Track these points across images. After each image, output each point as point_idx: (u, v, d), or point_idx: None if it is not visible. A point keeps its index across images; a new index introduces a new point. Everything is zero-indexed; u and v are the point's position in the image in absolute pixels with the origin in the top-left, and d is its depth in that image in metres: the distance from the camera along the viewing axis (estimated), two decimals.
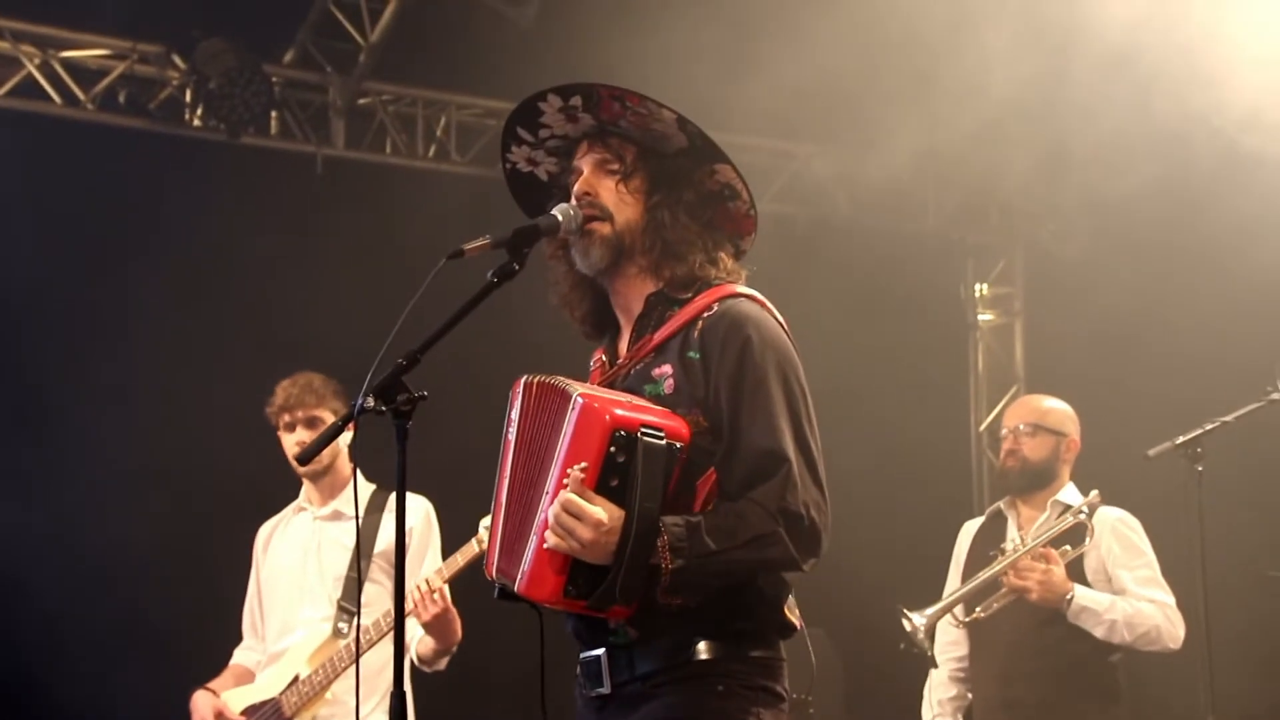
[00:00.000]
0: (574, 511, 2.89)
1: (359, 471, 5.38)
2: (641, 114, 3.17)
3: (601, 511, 2.89)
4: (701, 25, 6.31)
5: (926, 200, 8.66)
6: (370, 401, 2.96)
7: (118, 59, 7.34)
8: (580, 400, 2.94)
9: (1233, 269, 6.56)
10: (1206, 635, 4.94)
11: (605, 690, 3.10)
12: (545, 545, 2.94)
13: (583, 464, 2.91)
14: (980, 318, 9.09)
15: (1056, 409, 5.73)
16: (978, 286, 9.10)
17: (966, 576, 5.65)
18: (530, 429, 3.09)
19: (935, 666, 5.62)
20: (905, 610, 5.43)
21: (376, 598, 5.19)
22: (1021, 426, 5.65)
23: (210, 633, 5.84)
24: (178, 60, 7.38)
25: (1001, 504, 5.78)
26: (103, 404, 6.88)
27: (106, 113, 7.33)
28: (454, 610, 5.01)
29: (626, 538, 2.89)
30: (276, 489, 5.60)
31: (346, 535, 5.32)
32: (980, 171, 8.03)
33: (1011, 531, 5.63)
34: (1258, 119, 5.99)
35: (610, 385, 3.19)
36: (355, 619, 5.15)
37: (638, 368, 3.17)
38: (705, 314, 3.13)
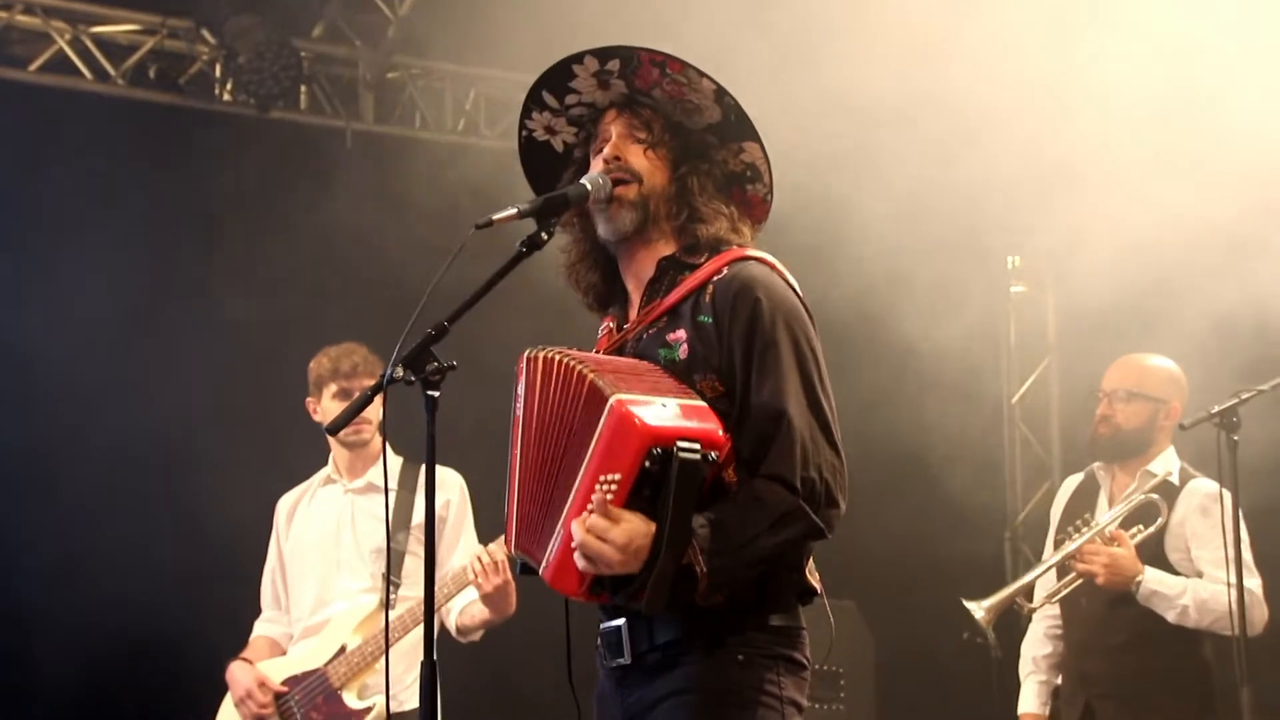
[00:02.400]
0: (601, 535, 2.87)
1: (388, 445, 5.38)
2: (680, 82, 3.16)
3: (627, 533, 2.87)
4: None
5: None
6: (400, 372, 2.96)
7: (147, 34, 7.36)
8: (614, 406, 2.89)
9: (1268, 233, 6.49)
10: (1240, 607, 4.88)
11: (626, 660, 3.10)
12: (575, 562, 2.93)
13: (614, 475, 2.89)
14: (1012, 289, 9.03)
15: (1159, 371, 5.48)
16: (1010, 259, 9.03)
17: (1058, 540, 5.51)
18: (547, 409, 3.06)
19: (998, 655, 5.50)
20: (965, 601, 5.32)
21: (415, 570, 5.20)
22: (1120, 392, 5.44)
23: None
24: (207, 35, 7.40)
25: (1096, 466, 5.59)
26: (125, 375, 6.89)
27: (137, 88, 7.34)
28: (513, 582, 4.99)
29: (657, 552, 2.88)
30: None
31: (380, 507, 5.32)
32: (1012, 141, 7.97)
33: (1101, 500, 5.46)
34: None
35: (619, 351, 3.18)
36: (386, 590, 5.15)
37: (650, 333, 3.16)
38: (716, 277, 3.12)
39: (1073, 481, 5.73)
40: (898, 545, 7.24)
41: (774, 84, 5.98)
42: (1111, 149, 6.94)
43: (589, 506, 2.90)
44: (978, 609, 5.30)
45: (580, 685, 3.20)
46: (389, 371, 2.97)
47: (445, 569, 5.25)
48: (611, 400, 2.90)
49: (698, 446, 2.89)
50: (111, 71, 7.29)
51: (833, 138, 6.98)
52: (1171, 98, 6.27)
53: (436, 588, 5.07)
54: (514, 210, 3.10)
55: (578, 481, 2.96)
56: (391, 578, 5.21)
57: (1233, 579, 5.07)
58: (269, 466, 6.06)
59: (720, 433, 2.94)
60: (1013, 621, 5.80)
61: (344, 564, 5.35)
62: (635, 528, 2.88)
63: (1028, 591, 5.47)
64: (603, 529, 2.87)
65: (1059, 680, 5.56)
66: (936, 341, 7.87)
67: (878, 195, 6.98)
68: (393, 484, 5.37)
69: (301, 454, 5.66)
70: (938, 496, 7.71)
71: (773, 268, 3.18)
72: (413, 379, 2.97)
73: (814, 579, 3.14)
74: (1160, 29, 6.09)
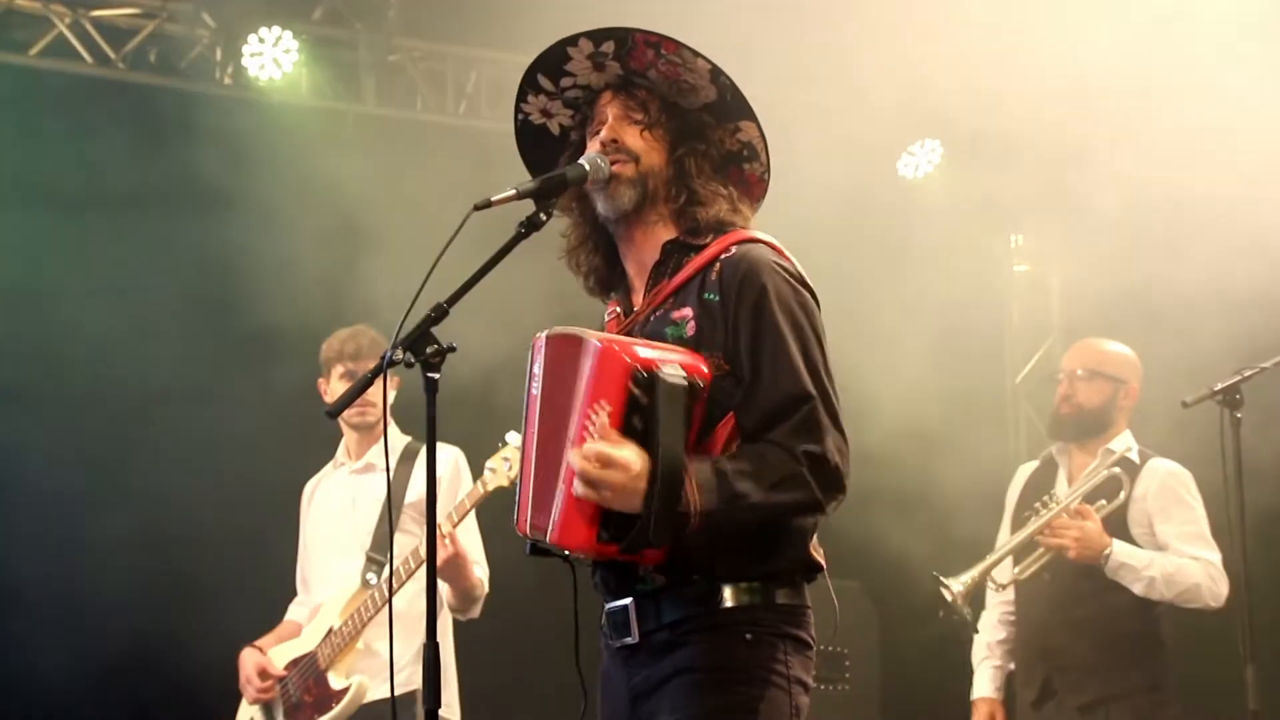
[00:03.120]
0: (601, 459, 2.86)
1: (392, 423, 5.43)
2: (674, 63, 3.16)
3: (628, 453, 2.86)
4: None
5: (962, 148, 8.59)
6: (399, 354, 2.96)
7: (147, 18, 7.34)
8: (598, 344, 2.93)
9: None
10: (1245, 585, 4.89)
11: (633, 639, 3.10)
12: (575, 494, 2.91)
13: (605, 404, 2.89)
14: (1016, 269, 9.02)
15: (1116, 354, 5.63)
16: (1013, 237, 9.02)
17: (1015, 523, 5.60)
18: (551, 382, 3.08)
19: (976, 632, 5.57)
20: (940, 577, 5.38)
21: (407, 548, 5.22)
22: (1079, 371, 5.56)
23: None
24: (208, 19, 7.38)
25: (1054, 449, 5.71)
26: (131, 359, 6.90)
27: (137, 71, 7.33)
28: (464, 554, 5.03)
29: (654, 479, 2.86)
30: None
31: (380, 488, 5.35)
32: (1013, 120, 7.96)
33: (1061, 480, 5.57)
34: None
35: (628, 333, 3.18)
36: (385, 569, 5.19)
37: (657, 313, 3.16)
38: (723, 255, 3.13)
39: (1028, 468, 5.86)
40: (900, 525, 7.22)
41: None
42: (1118, 126, 6.94)
43: (588, 431, 2.90)
44: (955, 584, 5.35)
45: (585, 666, 3.19)
46: (389, 354, 2.97)
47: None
48: (592, 340, 2.94)
49: (682, 373, 2.90)
50: (112, 55, 7.28)
51: None
52: (1176, 78, 6.26)
53: (400, 561, 5.14)
54: (513, 191, 3.10)
55: (572, 429, 2.96)
56: (378, 556, 5.24)
57: (1207, 555, 5.28)
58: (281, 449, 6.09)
59: (703, 368, 2.96)
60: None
61: (343, 546, 5.39)
62: (634, 452, 2.87)
63: (1004, 567, 5.53)
64: (602, 452, 2.86)
65: (1012, 665, 5.65)
66: (940, 320, 7.88)
67: None
68: (393, 462, 5.38)
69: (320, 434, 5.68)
70: (941, 476, 7.70)
71: (778, 250, 3.18)
72: (413, 361, 2.98)
73: (819, 555, 3.14)
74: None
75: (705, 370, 2.96)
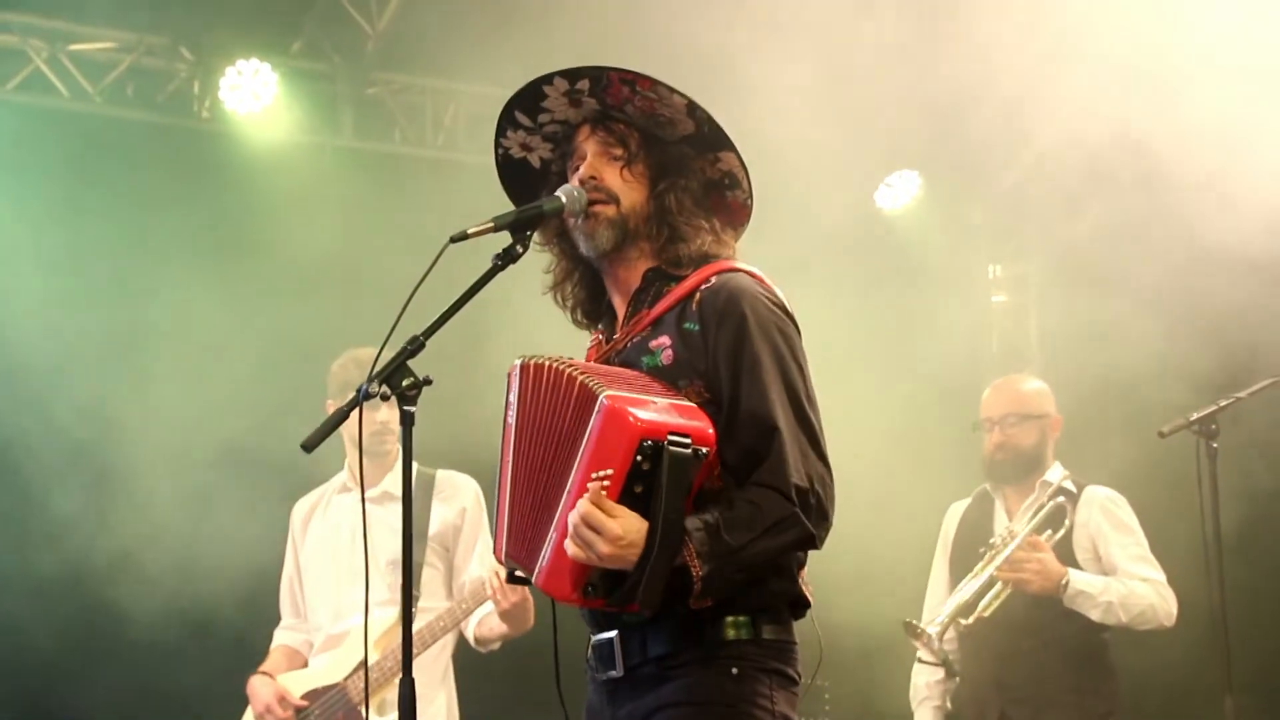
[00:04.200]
0: (593, 525, 2.86)
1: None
2: (650, 98, 3.17)
3: (621, 525, 2.85)
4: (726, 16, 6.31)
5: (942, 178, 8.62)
6: (375, 387, 2.96)
7: (125, 52, 7.34)
8: (606, 402, 2.89)
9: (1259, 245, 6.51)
10: (1224, 615, 4.90)
11: (617, 673, 3.09)
12: (566, 550, 2.91)
13: (607, 471, 2.88)
14: (994, 299, 9.04)
15: (1034, 391, 5.76)
16: (991, 268, 9.05)
17: (954, 562, 5.67)
18: (538, 414, 3.06)
19: (951, 676, 5.60)
20: (915, 623, 5.46)
21: (431, 581, 5.23)
22: (1009, 417, 5.65)
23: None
24: (185, 52, 7.38)
25: (987, 486, 5.77)
26: (126, 390, 6.89)
27: (115, 105, 7.33)
28: (530, 598, 5.00)
29: (650, 549, 2.86)
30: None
31: (394, 517, 5.32)
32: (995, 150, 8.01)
33: (1000, 517, 5.64)
34: None
35: (606, 361, 3.18)
36: (406, 603, 5.17)
37: (634, 341, 3.16)
38: (703, 286, 3.12)
39: (960, 505, 5.92)
40: (876, 556, 7.21)
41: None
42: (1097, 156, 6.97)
43: (586, 496, 2.89)
44: (931, 627, 5.42)
45: (570, 699, 3.18)
46: (364, 387, 2.96)
47: (462, 577, 5.30)
48: (602, 397, 2.90)
49: (689, 441, 2.88)
50: (89, 89, 7.28)
51: None
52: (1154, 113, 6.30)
53: (455, 602, 5.15)
54: (490, 223, 3.10)
55: (570, 481, 2.95)
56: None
57: (1154, 575, 5.37)
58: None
59: (710, 430, 2.94)
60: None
61: (359, 575, 5.32)
62: (628, 523, 2.86)
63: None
64: (598, 518, 2.85)
65: (949, 705, 5.69)
66: (918, 350, 7.89)
67: None
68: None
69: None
70: (918, 509, 7.70)
71: (759, 280, 3.18)
72: (389, 394, 2.97)
73: (807, 590, 3.14)
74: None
75: (711, 436, 2.94)
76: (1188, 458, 4.98)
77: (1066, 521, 5.45)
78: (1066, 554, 5.41)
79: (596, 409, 2.91)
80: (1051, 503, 5.48)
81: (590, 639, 3.18)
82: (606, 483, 2.88)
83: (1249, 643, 5.50)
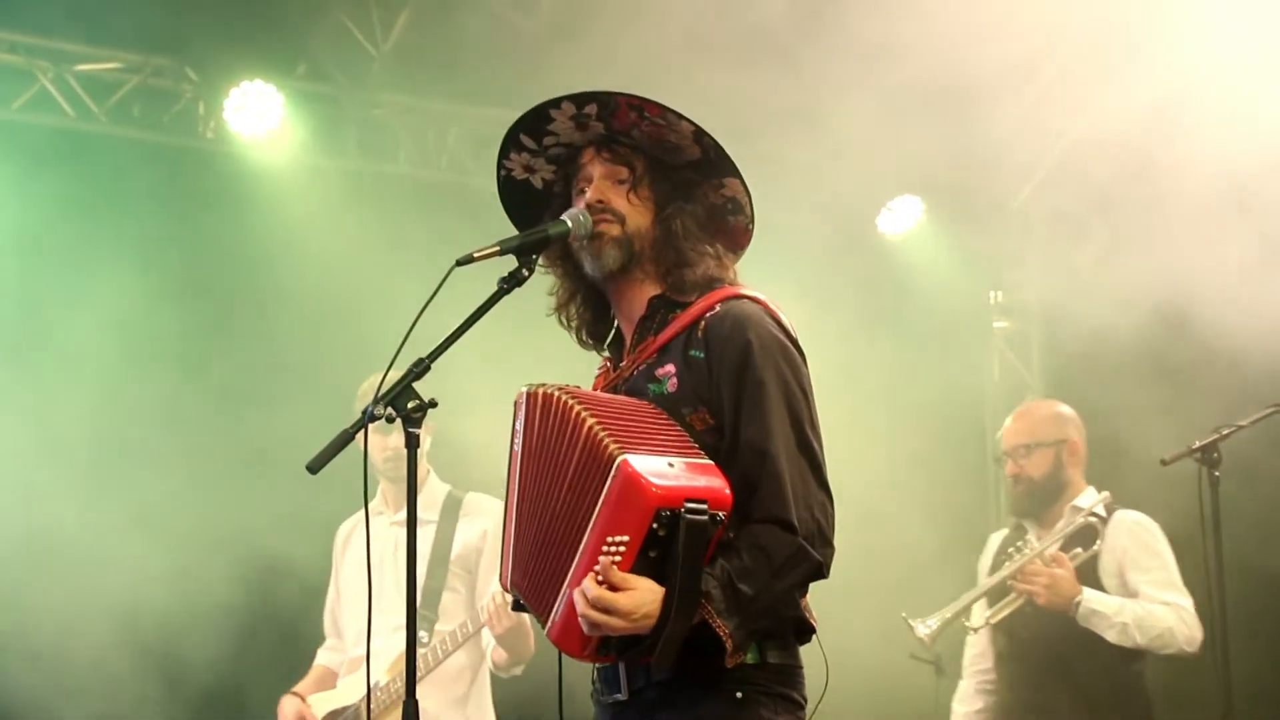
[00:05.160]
0: (606, 606, 2.86)
1: (432, 471, 5.52)
2: (659, 124, 3.17)
3: (632, 600, 2.86)
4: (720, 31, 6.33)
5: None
6: (380, 409, 2.95)
7: (130, 72, 7.35)
8: (622, 467, 2.87)
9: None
10: (1224, 639, 4.90)
11: (622, 696, 3.09)
12: (580, 622, 2.91)
13: (623, 538, 2.87)
14: (995, 325, 9.04)
15: (1047, 417, 5.68)
16: (993, 293, 9.05)
17: (989, 590, 5.62)
18: (546, 450, 3.05)
19: (940, 674, 5.58)
20: (909, 619, 5.42)
21: (452, 605, 5.24)
22: (1020, 447, 5.60)
23: None
24: (191, 73, 7.40)
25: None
26: (123, 408, 6.89)
27: (120, 126, 7.34)
28: (527, 624, 5.03)
29: (666, 616, 2.87)
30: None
31: (422, 542, 5.35)
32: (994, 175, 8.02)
33: (1031, 542, 5.58)
34: None
35: (614, 390, 3.19)
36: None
37: (640, 369, 3.16)
38: (708, 314, 3.13)
39: (997, 536, 5.88)
40: (880, 580, 7.21)
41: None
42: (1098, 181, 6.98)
43: (595, 570, 2.88)
44: (921, 626, 5.38)
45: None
46: (370, 409, 2.96)
47: (484, 600, 5.30)
48: (619, 461, 2.88)
49: (705, 506, 2.87)
50: (95, 109, 7.29)
51: None
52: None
53: (457, 627, 5.18)
54: (495, 247, 3.10)
55: (584, 543, 2.94)
56: (427, 613, 5.25)
57: (1179, 600, 5.30)
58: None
59: (726, 491, 2.92)
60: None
61: (383, 598, 5.32)
62: (642, 596, 2.87)
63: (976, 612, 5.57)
64: (609, 600, 2.85)
65: None
66: (920, 376, 7.90)
67: None
68: (435, 515, 5.45)
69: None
70: (920, 534, 7.70)
71: (765, 306, 3.18)
72: (394, 416, 2.97)
73: (811, 616, 3.13)
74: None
75: (728, 498, 2.92)
76: (1190, 485, 4.96)
77: (1097, 542, 5.37)
78: (1091, 577, 5.35)
79: (613, 471, 2.88)
80: (1083, 520, 5.42)
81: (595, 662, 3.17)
82: (621, 549, 2.87)
83: (1249, 667, 5.47)
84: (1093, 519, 5.42)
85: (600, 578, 2.87)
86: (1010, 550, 5.49)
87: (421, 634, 5.28)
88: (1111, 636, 5.26)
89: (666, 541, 2.86)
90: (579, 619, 2.90)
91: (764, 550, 2.95)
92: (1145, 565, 5.37)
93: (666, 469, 2.89)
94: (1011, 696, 5.55)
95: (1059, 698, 5.38)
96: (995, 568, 5.64)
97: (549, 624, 3.03)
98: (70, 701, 6.69)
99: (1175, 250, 6.37)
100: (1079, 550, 5.39)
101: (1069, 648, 5.35)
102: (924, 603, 6.01)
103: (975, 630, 5.56)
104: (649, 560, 2.88)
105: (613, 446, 2.89)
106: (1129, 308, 7.12)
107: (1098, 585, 5.36)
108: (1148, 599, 5.30)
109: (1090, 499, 5.52)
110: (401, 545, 5.30)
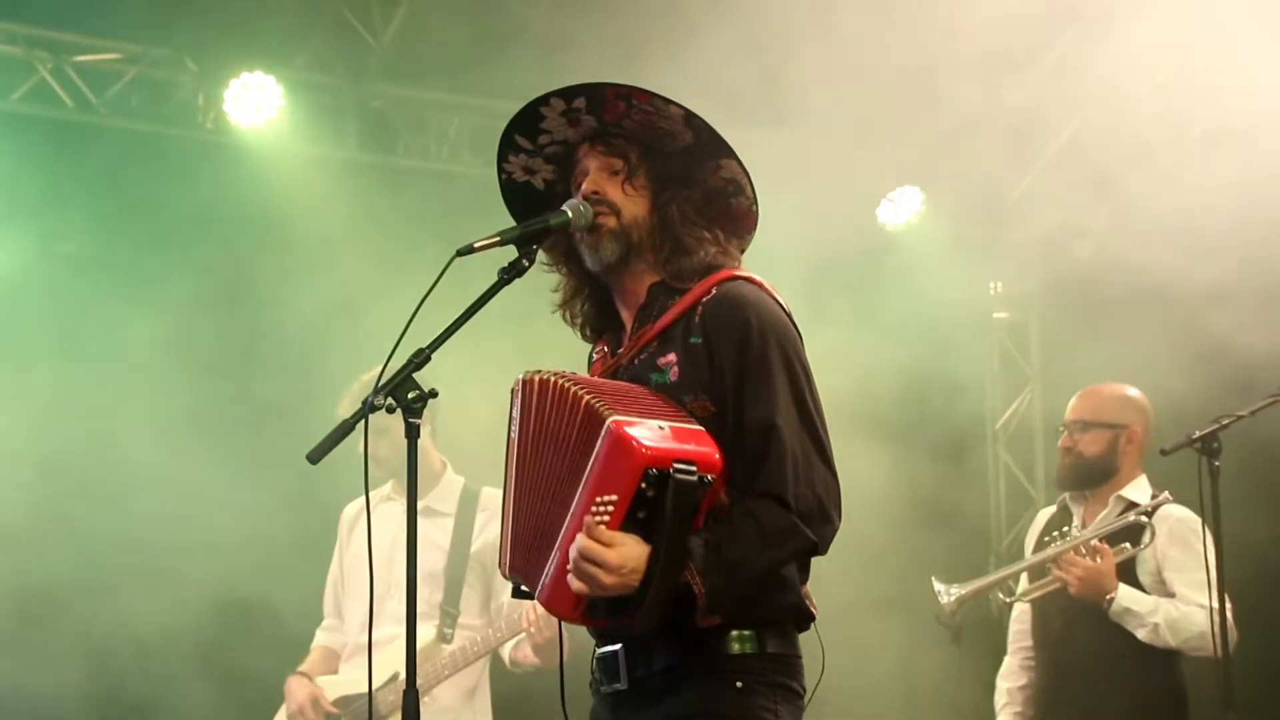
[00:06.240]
0: (594, 559, 2.87)
1: (447, 464, 5.55)
2: (648, 111, 3.17)
3: (620, 555, 2.87)
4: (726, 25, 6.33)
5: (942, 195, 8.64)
6: (380, 399, 2.95)
7: (129, 63, 7.35)
8: (611, 428, 2.89)
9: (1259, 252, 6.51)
10: (1225, 632, 4.89)
11: (622, 685, 3.10)
12: (568, 580, 2.92)
13: (611, 497, 2.89)
14: (995, 316, 9.04)
15: (1114, 398, 5.57)
16: (992, 285, 9.05)
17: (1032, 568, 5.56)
18: (543, 432, 3.07)
19: (956, 642, 5.54)
20: (937, 582, 5.40)
21: (466, 601, 5.26)
22: (1077, 422, 5.52)
23: None
24: (190, 64, 7.40)
25: (1066, 496, 5.64)
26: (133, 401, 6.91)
27: (119, 117, 7.34)
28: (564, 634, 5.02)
29: (651, 574, 2.88)
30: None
31: (437, 532, 5.39)
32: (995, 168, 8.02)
33: (1075, 527, 5.49)
34: None
35: (612, 375, 3.19)
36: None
37: (641, 357, 3.17)
38: (705, 298, 3.13)
39: (1045, 513, 5.81)
40: (877, 573, 7.22)
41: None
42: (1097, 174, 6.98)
43: (584, 529, 2.90)
44: (945, 593, 5.36)
45: (573, 710, 3.19)
46: (370, 400, 2.96)
47: (501, 599, 5.34)
48: (609, 422, 2.90)
49: (694, 468, 2.88)
50: (94, 100, 7.29)
51: None
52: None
53: (492, 629, 5.22)
54: (496, 237, 3.10)
55: (574, 504, 2.96)
56: (450, 609, 5.24)
57: (1212, 602, 5.12)
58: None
59: (716, 455, 2.94)
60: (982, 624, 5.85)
61: (396, 586, 5.30)
62: (629, 550, 2.88)
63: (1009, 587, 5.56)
64: (597, 552, 2.87)
65: (1032, 712, 5.59)
66: (919, 367, 7.89)
67: None
68: (452, 508, 5.46)
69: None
70: (920, 524, 7.71)
71: (761, 287, 3.18)
72: (394, 407, 2.97)
73: (811, 604, 3.14)
74: None
75: (717, 461, 2.93)
76: (1190, 475, 4.94)
77: (1145, 538, 5.26)
78: (1129, 574, 5.27)
79: (603, 432, 2.91)
80: (1135, 517, 5.31)
81: (595, 651, 3.18)
82: (609, 509, 2.89)
83: (1251, 660, 5.47)
84: (1144, 519, 5.30)
85: (589, 535, 2.88)
86: (1055, 533, 5.43)
87: (446, 630, 5.28)
88: (1143, 635, 5.20)
89: (655, 502, 2.87)
90: (570, 578, 2.91)
91: (755, 519, 2.96)
92: (1183, 565, 5.24)
93: (657, 430, 2.91)
94: (1045, 682, 5.51)
95: (1104, 696, 5.31)
96: (1039, 547, 5.56)
97: (540, 587, 3.04)
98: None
99: (1175, 240, 6.36)
100: (1126, 545, 5.29)
101: (1114, 643, 5.27)
102: (920, 595, 6.02)
103: (1008, 601, 5.52)
104: (637, 521, 2.89)
105: (604, 410, 2.92)
106: (1128, 298, 7.13)
107: (1134, 582, 5.27)
108: (1184, 600, 5.21)
109: (1141, 492, 5.42)
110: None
